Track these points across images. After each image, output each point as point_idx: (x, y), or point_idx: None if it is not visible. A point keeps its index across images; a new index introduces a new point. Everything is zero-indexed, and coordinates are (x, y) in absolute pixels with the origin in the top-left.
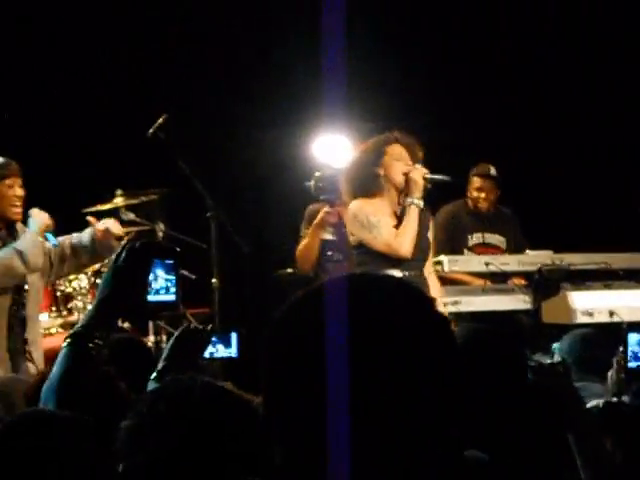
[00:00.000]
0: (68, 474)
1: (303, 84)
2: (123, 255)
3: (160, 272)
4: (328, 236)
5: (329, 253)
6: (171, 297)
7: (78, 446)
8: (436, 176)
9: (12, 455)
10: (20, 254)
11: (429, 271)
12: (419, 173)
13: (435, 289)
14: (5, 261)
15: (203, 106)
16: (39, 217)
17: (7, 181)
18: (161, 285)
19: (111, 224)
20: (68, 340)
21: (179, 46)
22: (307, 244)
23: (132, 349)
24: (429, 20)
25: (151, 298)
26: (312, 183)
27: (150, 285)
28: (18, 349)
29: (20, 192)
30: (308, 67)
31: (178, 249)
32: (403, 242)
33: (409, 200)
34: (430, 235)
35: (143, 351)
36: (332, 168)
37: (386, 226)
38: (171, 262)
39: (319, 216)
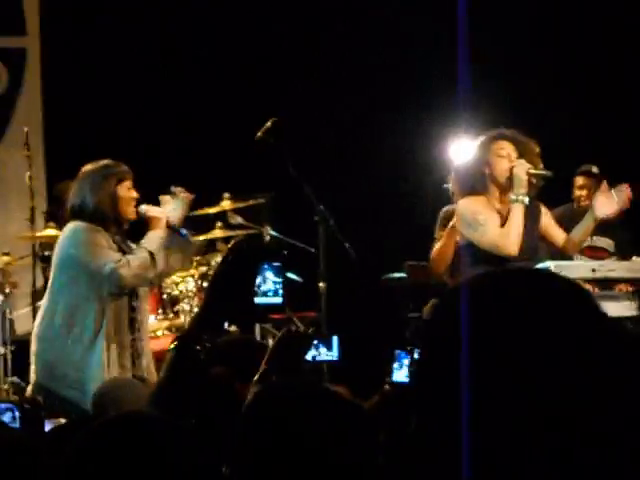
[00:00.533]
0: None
1: (438, 89)
2: (230, 258)
3: (268, 274)
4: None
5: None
6: (278, 300)
7: (168, 448)
8: (540, 171)
9: (95, 455)
10: (154, 260)
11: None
12: (522, 168)
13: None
14: (144, 269)
15: (313, 109)
16: (155, 217)
17: (126, 183)
18: (269, 288)
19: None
20: (175, 343)
21: (294, 48)
22: (442, 246)
23: (247, 349)
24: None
25: (259, 300)
26: (450, 185)
27: (258, 288)
28: (133, 353)
29: (136, 194)
30: (443, 74)
31: (285, 252)
32: (509, 240)
33: (513, 197)
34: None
35: (260, 351)
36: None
37: (493, 225)
38: (278, 265)
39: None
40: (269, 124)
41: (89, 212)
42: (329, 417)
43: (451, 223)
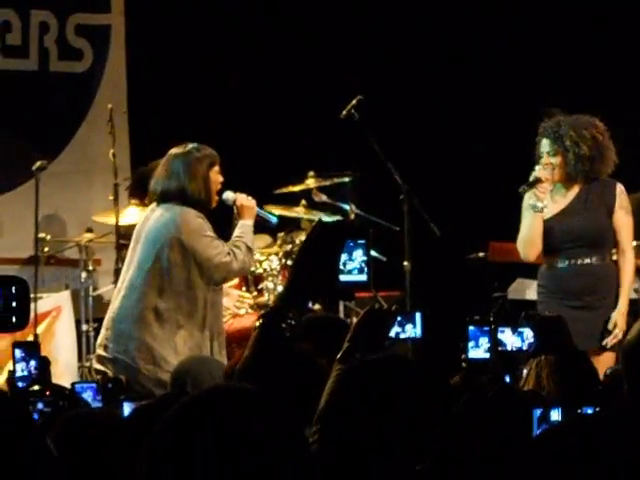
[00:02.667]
0: (249, 448)
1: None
2: (315, 235)
3: (354, 252)
4: None
5: None
6: (363, 277)
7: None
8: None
9: (192, 426)
10: (250, 251)
11: (624, 256)
12: (541, 173)
13: (627, 275)
14: (248, 262)
15: (398, 87)
16: (249, 205)
17: (216, 167)
18: (354, 265)
19: (232, 195)
20: (260, 321)
21: (378, 24)
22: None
23: (332, 327)
24: None
25: (343, 278)
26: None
27: (343, 265)
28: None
29: (221, 179)
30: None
31: (370, 230)
32: (523, 248)
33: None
34: (617, 216)
35: (343, 328)
36: None
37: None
38: (363, 242)
39: None
40: (354, 102)
41: (189, 196)
42: (414, 393)
43: None
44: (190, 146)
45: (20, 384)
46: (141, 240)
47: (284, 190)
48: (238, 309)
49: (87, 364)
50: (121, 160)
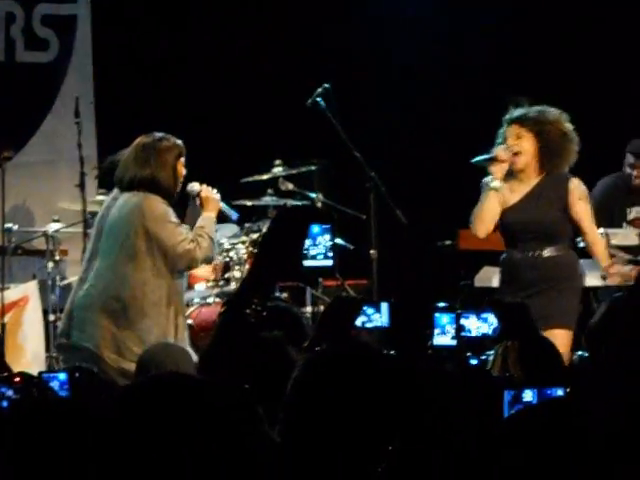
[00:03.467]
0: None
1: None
2: (279, 220)
3: (318, 238)
4: None
5: None
6: (328, 262)
7: (205, 410)
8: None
9: (134, 413)
10: (211, 242)
11: (593, 243)
12: (500, 153)
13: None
14: (210, 252)
15: (363, 75)
16: (213, 198)
17: (182, 159)
18: (319, 251)
19: (197, 187)
20: (225, 307)
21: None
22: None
23: (286, 317)
24: None
25: (308, 263)
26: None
27: (307, 251)
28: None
29: (185, 172)
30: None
31: (335, 215)
32: (473, 223)
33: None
34: (576, 209)
35: (296, 319)
36: None
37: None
38: (327, 227)
39: None
40: (320, 89)
41: (158, 185)
42: (377, 383)
43: None
44: (159, 135)
45: None
46: (105, 228)
47: (250, 179)
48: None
49: (55, 354)
50: (88, 150)
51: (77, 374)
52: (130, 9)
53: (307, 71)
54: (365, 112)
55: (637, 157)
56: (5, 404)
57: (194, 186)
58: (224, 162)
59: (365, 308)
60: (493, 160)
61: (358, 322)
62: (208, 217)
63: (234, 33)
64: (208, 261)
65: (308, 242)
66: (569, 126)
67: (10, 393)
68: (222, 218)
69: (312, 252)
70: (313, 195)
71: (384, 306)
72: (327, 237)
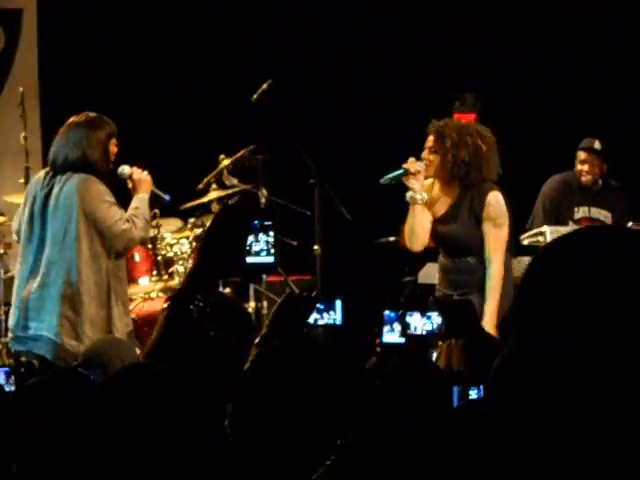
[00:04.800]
0: (160, 427)
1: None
2: (221, 216)
3: (260, 234)
4: None
5: None
6: (270, 259)
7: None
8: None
9: (110, 406)
10: (146, 223)
11: (489, 264)
12: (411, 165)
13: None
14: (146, 233)
15: (308, 71)
16: (145, 179)
17: (114, 139)
18: (261, 247)
19: (128, 170)
20: (169, 302)
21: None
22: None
23: (231, 312)
24: None
25: (250, 260)
26: None
27: (250, 247)
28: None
29: (116, 150)
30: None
31: (277, 211)
32: (408, 240)
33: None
34: (483, 226)
35: (242, 314)
36: None
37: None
38: (270, 223)
39: None
40: (265, 86)
41: (90, 164)
42: (328, 378)
43: None
44: (90, 115)
45: None
46: (48, 214)
47: (202, 183)
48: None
49: None
50: (32, 143)
51: (22, 368)
52: (75, 2)
53: (253, 66)
54: (311, 107)
55: (588, 152)
56: None
57: (125, 169)
58: (169, 158)
59: (317, 305)
60: (405, 174)
61: (310, 319)
62: (141, 198)
63: (183, 27)
64: (143, 242)
65: (250, 238)
66: (489, 142)
67: None
68: (154, 201)
69: (254, 248)
70: (257, 190)
71: (338, 303)
72: (270, 233)
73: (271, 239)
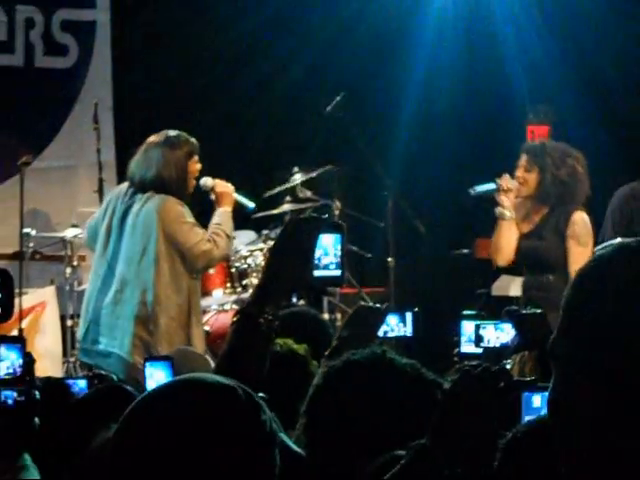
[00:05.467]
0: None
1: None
2: (289, 228)
3: (329, 247)
4: None
5: None
6: (337, 272)
7: (235, 413)
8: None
9: (159, 416)
10: (229, 240)
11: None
12: (505, 182)
13: None
14: (228, 250)
15: (383, 83)
16: (228, 192)
17: (195, 157)
18: (329, 261)
19: (210, 182)
20: (238, 316)
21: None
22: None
23: (309, 321)
24: None
25: (318, 273)
26: None
27: (319, 260)
28: None
29: (199, 167)
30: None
31: (343, 223)
32: (493, 255)
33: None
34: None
35: (320, 324)
36: None
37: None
38: (339, 236)
39: None
40: (339, 97)
41: (166, 185)
42: (400, 391)
43: None
44: (169, 134)
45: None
46: (126, 231)
47: (272, 193)
48: None
49: (72, 359)
50: (106, 156)
51: (96, 381)
52: (149, 14)
53: (326, 80)
54: (383, 120)
55: None
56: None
57: (207, 181)
58: (244, 170)
59: (388, 317)
60: (497, 190)
61: (380, 332)
62: (224, 212)
63: (258, 40)
64: (226, 259)
65: (319, 251)
66: (578, 166)
67: (14, 395)
68: (238, 210)
69: (323, 262)
70: (330, 202)
71: (408, 315)
72: (338, 247)
73: (339, 252)
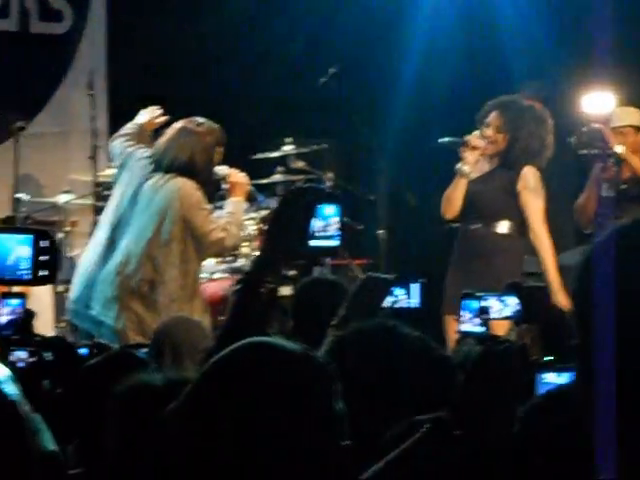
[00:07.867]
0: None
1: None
2: (287, 199)
3: (325, 217)
4: (604, 193)
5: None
6: (334, 243)
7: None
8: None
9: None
10: (240, 230)
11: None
12: (474, 140)
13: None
14: (239, 239)
15: (377, 57)
16: (242, 182)
17: (220, 148)
18: (325, 231)
19: (225, 171)
20: (238, 285)
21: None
22: (584, 198)
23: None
24: None
25: (314, 243)
26: (574, 138)
27: (318, 230)
28: None
29: (220, 158)
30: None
31: (340, 194)
32: (443, 205)
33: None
34: (522, 195)
35: (339, 289)
36: (596, 125)
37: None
38: (337, 207)
39: (593, 171)
40: (333, 70)
41: (195, 170)
42: (408, 362)
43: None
44: (201, 121)
45: (4, 332)
46: (140, 204)
47: (261, 156)
48: None
49: (62, 325)
50: (100, 122)
51: (96, 350)
52: None
53: (322, 51)
54: (378, 94)
55: None
56: (21, 365)
57: (222, 170)
58: (235, 139)
59: (393, 288)
60: (463, 144)
61: (386, 302)
62: (238, 201)
63: (246, 12)
64: (235, 248)
65: (315, 222)
66: (549, 135)
67: (24, 355)
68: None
69: (320, 232)
70: (323, 174)
71: (414, 287)
72: (334, 217)
73: (336, 223)
